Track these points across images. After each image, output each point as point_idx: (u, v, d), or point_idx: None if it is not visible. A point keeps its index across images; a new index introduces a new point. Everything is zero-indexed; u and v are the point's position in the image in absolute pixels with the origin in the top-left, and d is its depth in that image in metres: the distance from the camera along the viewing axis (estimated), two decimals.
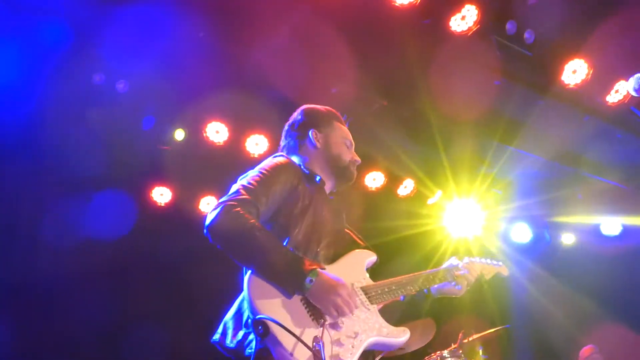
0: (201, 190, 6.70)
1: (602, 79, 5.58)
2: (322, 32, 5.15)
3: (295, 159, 2.91)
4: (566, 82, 5.43)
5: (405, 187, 7.31)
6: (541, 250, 8.21)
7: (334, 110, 3.07)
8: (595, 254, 8.09)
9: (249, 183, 2.58)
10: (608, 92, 5.67)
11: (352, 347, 2.37)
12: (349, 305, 2.40)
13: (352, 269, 2.66)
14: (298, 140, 2.95)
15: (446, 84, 5.62)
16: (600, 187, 7.70)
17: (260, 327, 2.20)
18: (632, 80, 2.03)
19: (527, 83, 5.83)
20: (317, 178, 2.82)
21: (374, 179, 7.03)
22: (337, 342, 2.35)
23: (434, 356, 5.53)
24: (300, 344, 2.19)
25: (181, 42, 5.16)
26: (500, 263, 3.26)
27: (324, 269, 2.43)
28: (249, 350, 2.32)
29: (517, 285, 7.63)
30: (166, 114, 5.88)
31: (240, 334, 2.41)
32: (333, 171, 2.90)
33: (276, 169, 2.69)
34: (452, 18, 4.93)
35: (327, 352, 2.28)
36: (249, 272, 2.44)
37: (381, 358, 5.29)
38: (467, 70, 5.59)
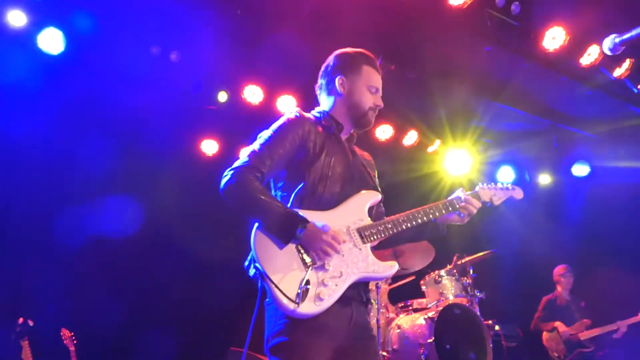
0: (242, 142, 6.72)
1: (577, 44, 5.47)
2: (341, 6, 5.07)
3: (323, 100, 2.77)
4: (547, 47, 5.34)
5: (410, 137, 7.27)
6: (523, 188, 8.16)
7: (365, 53, 2.76)
8: (567, 192, 8.09)
9: (259, 147, 2.50)
10: (581, 55, 5.56)
11: (336, 285, 2.33)
12: (332, 247, 2.35)
13: (351, 212, 2.52)
14: (328, 83, 2.75)
15: (445, 49, 5.53)
16: (573, 136, 7.62)
17: (257, 272, 2.31)
18: (607, 41, 1.93)
19: (513, 49, 5.71)
20: (332, 128, 2.66)
21: (384, 131, 7.03)
22: (322, 283, 2.31)
23: (433, 275, 5.61)
24: (284, 288, 2.27)
25: (222, 19, 5.12)
26: (514, 187, 2.97)
27: (308, 222, 2.36)
28: (258, 285, 2.36)
29: (504, 216, 7.64)
30: (212, 80, 5.86)
31: (253, 269, 2.41)
32: (351, 117, 2.69)
33: (285, 129, 2.55)
34: None
35: (312, 292, 2.28)
36: (256, 224, 2.42)
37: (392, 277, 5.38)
38: (463, 38, 5.50)
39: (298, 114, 2.62)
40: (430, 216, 2.66)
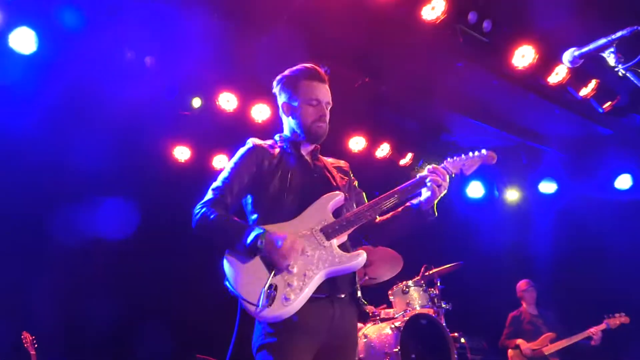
0: (215, 149, 6.71)
1: (545, 63, 5.58)
2: (317, 19, 5.12)
3: (283, 121, 2.84)
4: (516, 64, 5.43)
5: (382, 149, 7.29)
6: (491, 204, 8.31)
7: (303, 67, 2.76)
8: (535, 208, 8.22)
9: (221, 181, 2.63)
10: (549, 74, 5.68)
11: (303, 283, 2.37)
12: (291, 253, 2.38)
13: (314, 215, 2.56)
14: (280, 107, 2.83)
15: (417, 63, 5.60)
16: (541, 153, 7.77)
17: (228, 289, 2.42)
18: (567, 54, 2.01)
19: (484, 65, 5.80)
20: (286, 147, 2.75)
21: (357, 143, 7.01)
22: (289, 284, 2.36)
23: (401, 285, 5.63)
24: (250, 297, 2.35)
25: (200, 24, 5.10)
26: (486, 153, 2.78)
27: (265, 233, 2.41)
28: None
29: (472, 229, 7.72)
30: (186, 85, 5.83)
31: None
32: (302, 134, 2.73)
33: (241, 160, 2.68)
34: (424, 8, 4.90)
35: (279, 294, 2.33)
36: (226, 250, 2.52)
37: (360, 287, 5.40)
38: (435, 53, 5.57)
39: (251, 145, 2.74)
40: (396, 199, 2.62)
